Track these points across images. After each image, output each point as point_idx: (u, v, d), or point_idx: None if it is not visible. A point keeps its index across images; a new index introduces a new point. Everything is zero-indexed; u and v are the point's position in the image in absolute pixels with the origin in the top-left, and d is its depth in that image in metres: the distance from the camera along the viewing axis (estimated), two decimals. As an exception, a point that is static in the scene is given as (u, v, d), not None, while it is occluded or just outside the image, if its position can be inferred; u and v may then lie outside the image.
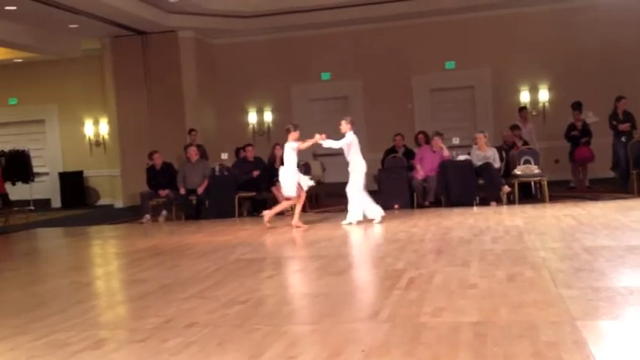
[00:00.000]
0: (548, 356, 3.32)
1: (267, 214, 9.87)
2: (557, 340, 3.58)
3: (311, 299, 5.19)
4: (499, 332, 3.77)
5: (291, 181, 9.57)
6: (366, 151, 15.62)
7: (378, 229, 8.94)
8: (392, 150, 12.84)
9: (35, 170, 16.30)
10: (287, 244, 8.64)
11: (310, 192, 13.01)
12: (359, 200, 9.64)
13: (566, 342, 3.55)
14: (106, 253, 9.34)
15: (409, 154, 12.49)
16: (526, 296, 4.62)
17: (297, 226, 9.52)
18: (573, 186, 13.15)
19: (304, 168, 12.37)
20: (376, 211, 9.61)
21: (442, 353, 3.45)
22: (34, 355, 3.94)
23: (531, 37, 15.07)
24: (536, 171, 11.35)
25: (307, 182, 9.77)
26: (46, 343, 4.16)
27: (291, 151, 9.51)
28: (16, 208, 13.77)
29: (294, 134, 9.57)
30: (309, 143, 9.76)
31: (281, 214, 10.45)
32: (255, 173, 12.10)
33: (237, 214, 11.84)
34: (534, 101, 15.33)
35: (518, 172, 11.31)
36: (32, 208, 15.64)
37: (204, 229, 10.24)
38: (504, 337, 3.68)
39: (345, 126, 9.74)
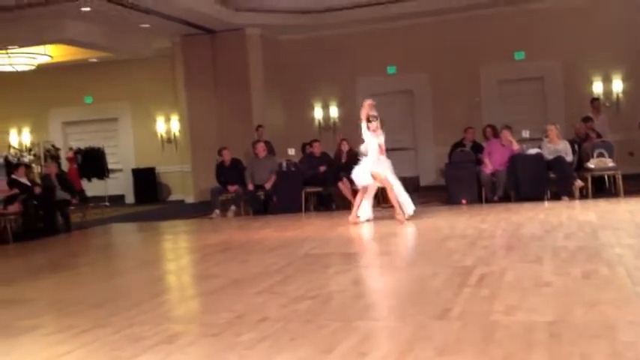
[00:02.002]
0: (627, 356, 3.23)
1: (351, 216, 9.55)
2: (637, 340, 3.48)
3: (379, 295, 5.19)
4: (575, 332, 3.69)
5: (366, 169, 9.39)
6: (432, 145, 15.63)
7: (445, 224, 8.83)
8: (459, 144, 12.67)
9: (110, 167, 16.84)
10: (354, 240, 8.65)
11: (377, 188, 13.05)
12: (403, 191, 9.54)
13: (646, 343, 3.45)
14: (177, 248, 9.59)
15: (477, 148, 12.30)
16: (602, 294, 4.51)
17: (354, 222, 9.38)
18: (650, 179, 12.70)
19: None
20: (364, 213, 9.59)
21: (516, 353, 3.39)
22: (116, 347, 4.08)
23: (604, 25, 14.59)
24: (610, 164, 11.00)
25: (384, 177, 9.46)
26: (125, 336, 4.30)
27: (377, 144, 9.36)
28: (92, 204, 14.25)
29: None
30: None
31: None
32: (322, 168, 12.15)
33: (304, 209, 11.93)
34: (607, 92, 14.85)
35: (592, 166, 10.99)
36: (107, 203, 16.17)
37: (272, 224, 10.36)
38: (580, 336, 3.59)
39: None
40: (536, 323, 3.88)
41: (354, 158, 10.85)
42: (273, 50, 16.37)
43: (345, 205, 11.32)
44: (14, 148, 17.14)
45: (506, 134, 11.38)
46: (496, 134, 12.14)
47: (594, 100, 13.62)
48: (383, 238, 8.35)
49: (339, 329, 4.13)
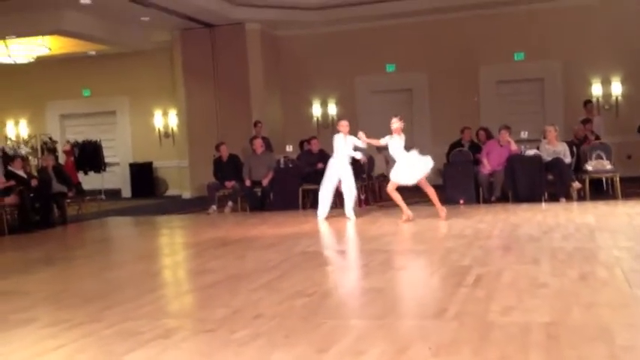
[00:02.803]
0: (624, 360, 3.22)
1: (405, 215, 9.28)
2: (634, 343, 3.47)
3: (376, 294, 5.16)
4: (572, 334, 3.67)
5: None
6: (429, 145, 15.60)
7: (443, 225, 8.80)
8: (457, 144, 12.66)
9: (107, 160, 16.79)
10: (351, 238, 8.63)
11: (374, 185, 13.04)
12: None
13: (643, 346, 3.44)
14: (173, 243, 9.55)
15: (475, 148, 12.28)
16: (599, 297, 4.50)
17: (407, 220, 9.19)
18: (647, 182, 12.70)
19: (368, 162, 12.34)
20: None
21: (512, 353, 3.38)
22: (110, 342, 4.06)
23: (603, 28, 14.59)
24: (609, 167, 11.00)
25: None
26: (118, 331, 4.27)
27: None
28: (88, 197, 14.19)
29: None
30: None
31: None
32: (320, 166, 12.12)
33: (301, 206, 11.90)
34: (607, 94, 14.85)
35: (590, 168, 10.98)
36: (103, 197, 16.12)
37: (268, 221, 10.33)
38: (578, 339, 3.58)
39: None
40: (533, 324, 3.87)
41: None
42: (273, 46, 16.34)
43: (341, 202, 11.29)
44: (11, 140, 17.08)
45: (504, 134, 11.35)
46: (490, 137, 12.18)
47: (587, 103, 13.60)
48: (380, 237, 8.32)
49: (335, 327, 4.11)
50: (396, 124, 9.23)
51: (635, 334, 3.63)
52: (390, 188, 9.38)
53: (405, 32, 15.73)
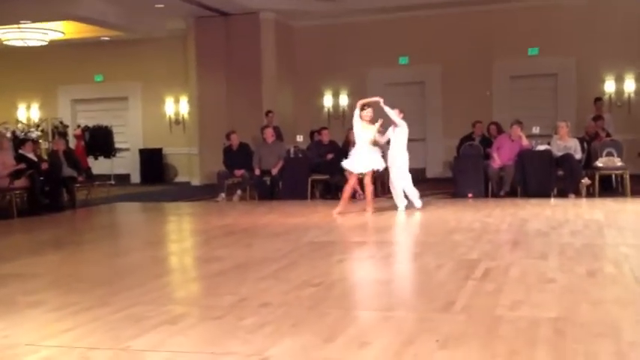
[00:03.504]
0: (630, 356, 3.21)
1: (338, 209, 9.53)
2: (641, 340, 3.46)
3: (383, 286, 5.17)
4: (579, 329, 3.66)
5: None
6: (441, 137, 15.58)
7: (451, 217, 8.79)
8: (468, 137, 12.61)
9: (117, 146, 16.83)
10: (358, 229, 8.62)
11: (383, 177, 13.01)
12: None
13: (651, 344, 3.42)
14: (181, 230, 9.59)
15: (486, 142, 12.24)
16: (607, 293, 4.49)
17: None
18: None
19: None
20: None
21: (520, 348, 3.37)
22: (116, 326, 4.07)
23: (618, 25, 14.49)
24: (619, 163, 10.94)
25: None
26: (126, 316, 4.28)
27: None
28: (97, 182, 14.23)
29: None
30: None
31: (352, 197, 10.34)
32: (329, 156, 12.12)
33: (309, 196, 11.91)
34: (619, 91, 14.76)
35: (600, 164, 10.92)
36: (113, 182, 16.18)
37: (277, 210, 10.35)
38: (585, 334, 3.57)
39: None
40: (541, 319, 3.86)
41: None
42: (286, 36, 16.29)
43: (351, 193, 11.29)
44: (22, 123, 17.14)
45: (516, 129, 11.31)
46: (500, 131, 12.14)
47: (597, 100, 13.50)
48: (388, 229, 8.32)
49: (342, 317, 4.11)
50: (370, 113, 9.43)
51: (642, 332, 3.62)
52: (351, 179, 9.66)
53: (419, 25, 15.66)
